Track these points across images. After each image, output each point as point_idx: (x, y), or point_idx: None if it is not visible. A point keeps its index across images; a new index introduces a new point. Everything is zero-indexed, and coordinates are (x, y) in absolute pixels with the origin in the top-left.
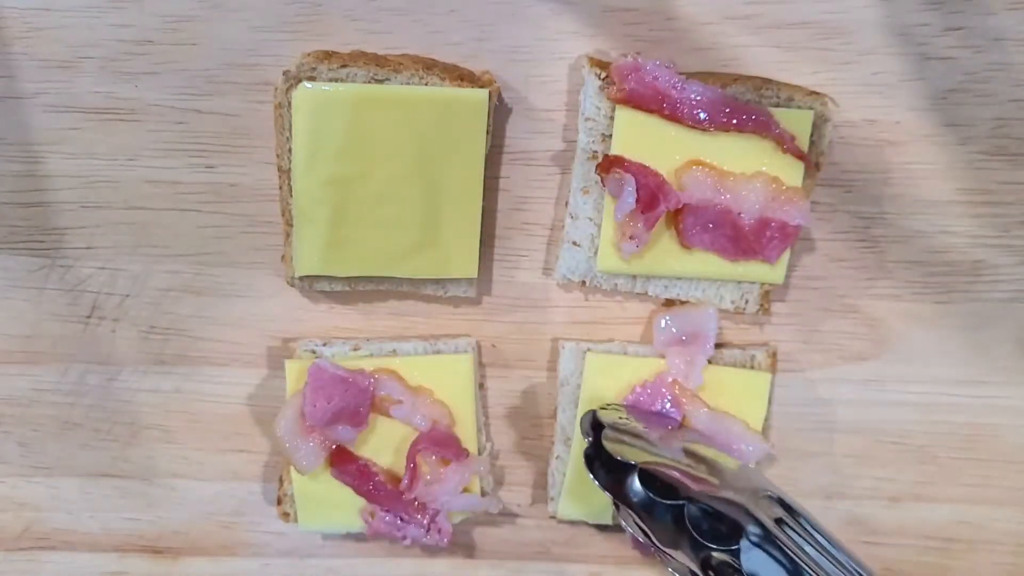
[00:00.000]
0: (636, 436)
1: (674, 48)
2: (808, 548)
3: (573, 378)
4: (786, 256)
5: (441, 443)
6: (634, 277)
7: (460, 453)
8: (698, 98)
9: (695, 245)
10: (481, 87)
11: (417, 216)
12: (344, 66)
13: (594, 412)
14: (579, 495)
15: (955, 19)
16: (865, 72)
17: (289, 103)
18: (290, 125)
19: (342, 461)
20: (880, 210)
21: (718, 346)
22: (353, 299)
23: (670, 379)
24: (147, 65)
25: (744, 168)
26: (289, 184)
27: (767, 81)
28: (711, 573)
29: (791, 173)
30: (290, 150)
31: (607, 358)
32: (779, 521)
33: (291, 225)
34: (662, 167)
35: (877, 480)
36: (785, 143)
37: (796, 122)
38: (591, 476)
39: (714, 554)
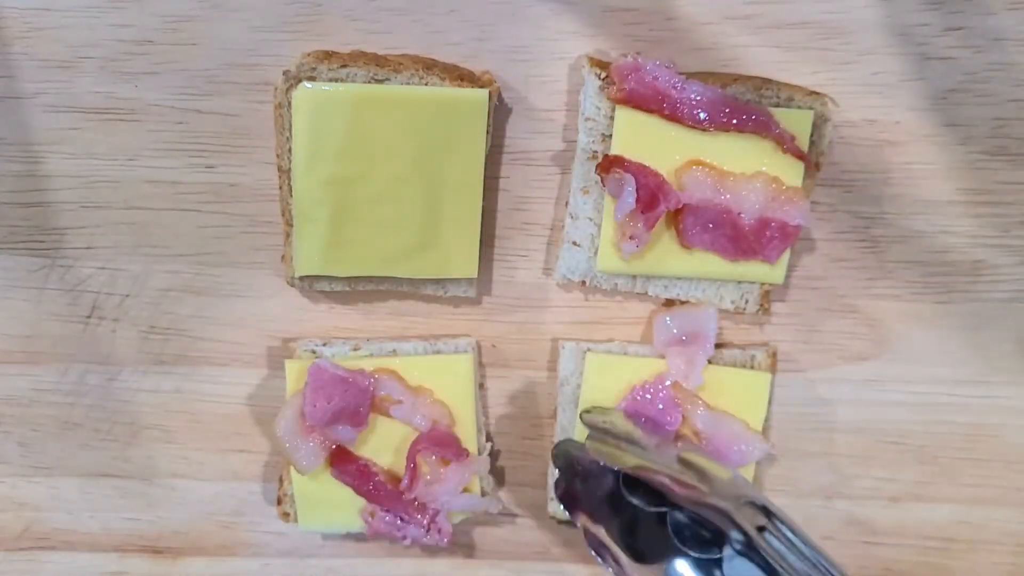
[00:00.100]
0: (622, 439)
1: (674, 48)
2: (790, 557)
3: (573, 378)
4: (786, 256)
5: (441, 443)
6: (634, 277)
7: (460, 453)
8: (698, 98)
9: (695, 245)
10: (481, 87)
11: (417, 216)
12: (344, 66)
13: (580, 416)
14: None
15: (955, 19)
16: (865, 72)
17: (289, 103)
18: (290, 125)
19: (342, 461)
20: (880, 210)
21: (718, 346)
22: (353, 299)
23: (670, 379)
24: (147, 65)
25: (744, 168)
26: (289, 184)
27: (767, 81)
28: None
29: (791, 173)
30: (290, 150)
31: (607, 358)
32: (762, 529)
33: (291, 225)
34: (662, 167)
35: (877, 480)
36: (785, 143)
37: (796, 122)
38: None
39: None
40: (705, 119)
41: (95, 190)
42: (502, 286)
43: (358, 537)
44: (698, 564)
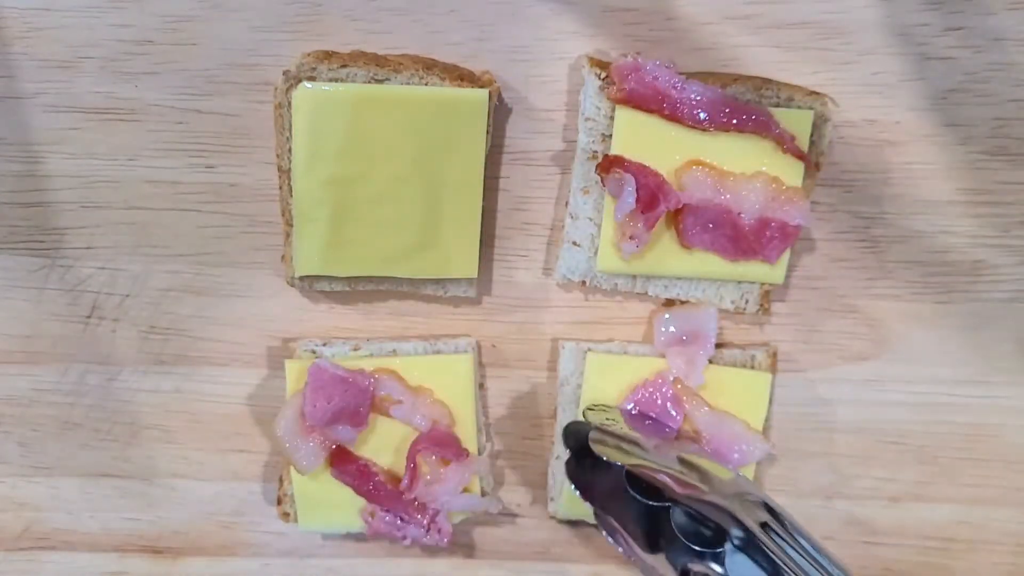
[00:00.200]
0: (624, 439)
1: (674, 48)
2: (792, 552)
3: (573, 378)
4: (786, 256)
5: (441, 443)
6: (634, 277)
7: (460, 453)
8: (698, 98)
9: (695, 245)
10: (481, 87)
11: (417, 216)
12: (344, 66)
13: (583, 413)
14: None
15: (955, 19)
16: (865, 72)
17: (289, 103)
18: (290, 125)
19: (342, 461)
20: (880, 210)
21: (718, 346)
22: (353, 299)
23: (670, 379)
24: (147, 65)
25: (744, 168)
26: (289, 184)
27: (767, 81)
28: None
29: (791, 173)
30: (290, 150)
31: (607, 358)
32: (764, 525)
33: (291, 225)
34: (662, 167)
35: (877, 480)
36: (785, 143)
37: (796, 122)
38: (571, 484)
39: (693, 567)
40: (705, 119)
41: (95, 190)
42: (502, 286)
43: (358, 537)
44: (700, 558)
